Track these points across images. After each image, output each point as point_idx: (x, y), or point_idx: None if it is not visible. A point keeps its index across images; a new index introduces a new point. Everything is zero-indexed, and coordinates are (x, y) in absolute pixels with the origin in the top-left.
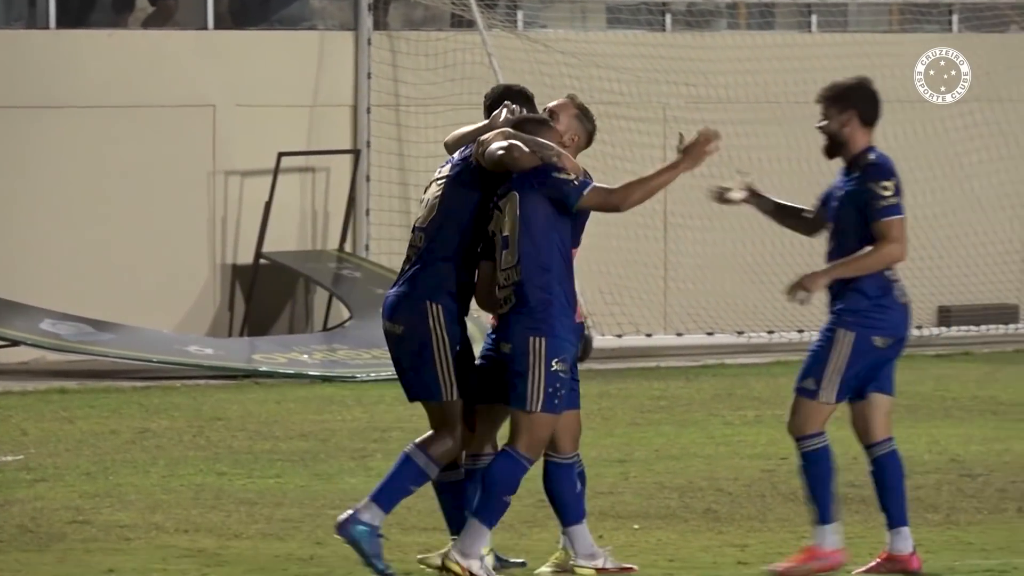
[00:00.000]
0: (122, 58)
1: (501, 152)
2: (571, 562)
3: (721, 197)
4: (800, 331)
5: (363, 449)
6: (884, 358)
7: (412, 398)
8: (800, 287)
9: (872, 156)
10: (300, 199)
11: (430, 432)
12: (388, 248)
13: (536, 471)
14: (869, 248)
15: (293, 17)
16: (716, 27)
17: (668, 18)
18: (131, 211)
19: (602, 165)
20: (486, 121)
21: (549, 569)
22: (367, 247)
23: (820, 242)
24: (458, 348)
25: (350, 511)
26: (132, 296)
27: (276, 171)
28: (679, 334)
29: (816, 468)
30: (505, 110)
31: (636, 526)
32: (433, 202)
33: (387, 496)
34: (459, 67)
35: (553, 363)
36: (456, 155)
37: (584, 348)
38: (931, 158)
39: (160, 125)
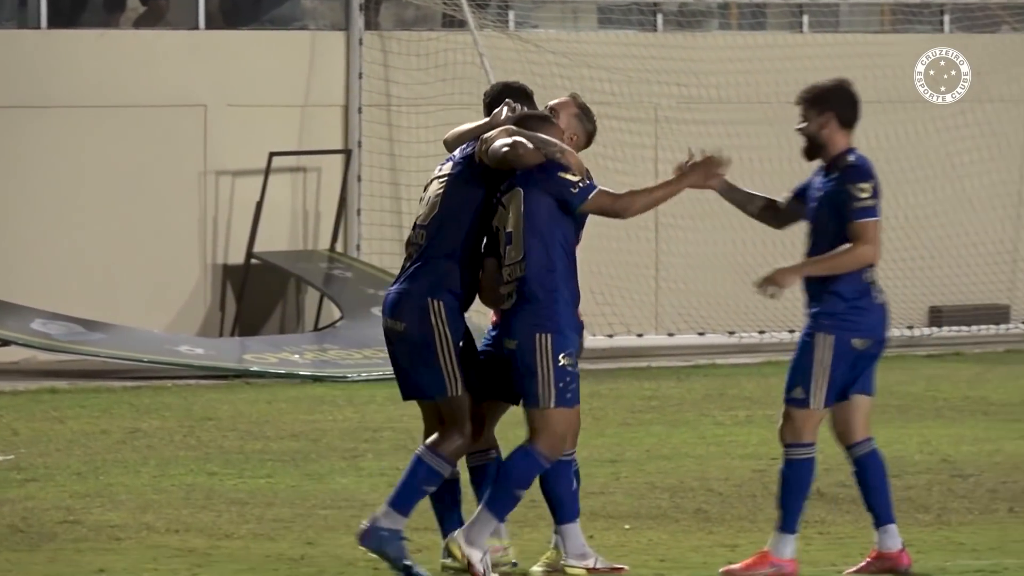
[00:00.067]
0: (113, 58)
1: (506, 148)
2: (562, 562)
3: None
4: (791, 331)
5: (354, 449)
6: (864, 359)
7: (408, 396)
8: (771, 282)
9: (851, 158)
10: (291, 199)
11: (438, 431)
12: (379, 248)
13: None
14: (843, 248)
15: (284, 17)
16: (707, 27)
17: (659, 18)
18: (122, 211)
19: (593, 165)
20: (487, 119)
21: (540, 569)
22: (358, 247)
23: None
24: (461, 344)
25: (369, 521)
26: (123, 296)
27: (267, 171)
28: (670, 334)
29: (797, 477)
30: (505, 108)
31: (627, 526)
32: (435, 200)
33: (403, 500)
34: (450, 67)
35: (560, 358)
36: (457, 153)
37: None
38: (923, 158)
39: (151, 125)
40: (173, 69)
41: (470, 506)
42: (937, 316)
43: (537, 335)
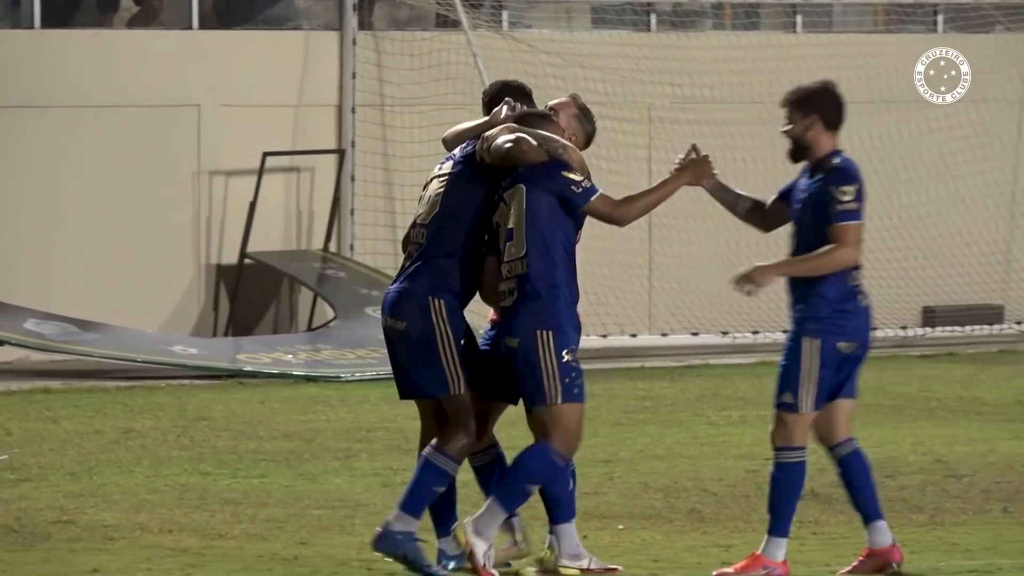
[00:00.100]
0: (107, 58)
1: (509, 145)
2: (556, 562)
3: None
4: (784, 331)
5: (348, 449)
6: (849, 362)
7: (407, 395)
8: (748, 279)
9: (837, 160)
10: (285, 199)
11: (442, 431)
12: (373, 248)
13: None
14: (823, 249)
15: (278, 17)
16: (701, 27)
17: (653, 18)
18: (115, 211)
19: (587, 165)
20: (486, 118)
21: (534, 569)
22: (352, 247)
23: None
24: (462, 342)
25: (382, 526)
26: (116, 296)
27: (261, 171)
28: (664, 334)
29: (788, 480)
30: (505, 106)
31: (621, 526)
32: (435, 198)
33: (413, 502)
34: (444, 67)
35: (563, 354)
36: (457, 152)
37: None
38: (916, 158)
39: (145, 125)
40: (166, 69)
41: (470, 506)
42: (931, 316)
43: (539, 332)
